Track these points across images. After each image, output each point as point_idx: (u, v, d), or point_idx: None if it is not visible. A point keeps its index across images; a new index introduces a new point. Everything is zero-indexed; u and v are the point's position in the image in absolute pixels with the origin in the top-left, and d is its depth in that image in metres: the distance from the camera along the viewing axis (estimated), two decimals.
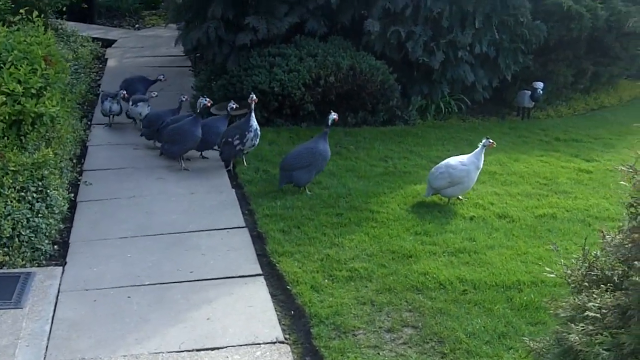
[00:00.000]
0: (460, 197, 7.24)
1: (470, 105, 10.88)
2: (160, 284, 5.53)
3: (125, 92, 9.25)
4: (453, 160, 7.12)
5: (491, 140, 7.14)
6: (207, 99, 8.04)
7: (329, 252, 6.04)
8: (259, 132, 7.87)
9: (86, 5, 13.13)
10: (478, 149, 7.12)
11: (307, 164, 7.22)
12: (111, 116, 9.36)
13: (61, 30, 12.10)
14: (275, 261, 5.91)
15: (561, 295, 5.33)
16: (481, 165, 7.18)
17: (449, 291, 5.47)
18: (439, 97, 10.51)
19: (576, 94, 12.14)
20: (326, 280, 5.60)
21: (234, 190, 7.49)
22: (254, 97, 7.89)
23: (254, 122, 7.79)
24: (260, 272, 5.77)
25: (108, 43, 14.31)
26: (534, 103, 10.90)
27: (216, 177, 7.85)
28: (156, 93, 9.41)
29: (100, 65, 12.69)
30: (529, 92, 10.76)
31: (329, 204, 7.09)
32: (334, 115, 7.41)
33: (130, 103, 9.13)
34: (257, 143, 7.92)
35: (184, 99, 8.87)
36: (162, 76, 10.00)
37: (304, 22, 9.95)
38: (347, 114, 9.78)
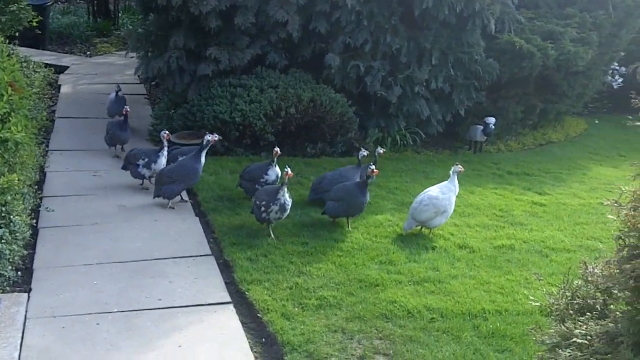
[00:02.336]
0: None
1: (424, 139, 11.09)
2: (129, 311, 5.48)
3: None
4: (433, 192, 7.24)
5: (460, 167, 7.36)
6: (166, 132, 8.23)
7: (297, 281, 6.09)
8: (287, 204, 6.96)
9: (40, 32, 12.96)
10: (451, 176, 7.32)
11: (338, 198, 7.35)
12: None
13: (14, 56, 11.90)
14: (244, 289, 5.92)
15: (525, 323, 5.53)
16: (457, 191, 7.39)
17: (417, 319, 5.57)
18: (395, 130, 10.70)
19: (525, 129, 12.50)
20: (296, 308, 5.64)
21: (197, 218, 7.48)
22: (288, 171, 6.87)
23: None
24: (229, 300, 5.77)
25: (61, 69, 14.13)
26: (485, 137, 11.17)
27: (178, 204, 7.80)
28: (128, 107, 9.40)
29: (54, 92, 12.53)
30: (481, 127, 11.03)
31: (294, 233, 7.15)
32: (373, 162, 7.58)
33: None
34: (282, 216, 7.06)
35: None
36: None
37: (266, 55, 10.10)
38: (306, 145, 9.91)
